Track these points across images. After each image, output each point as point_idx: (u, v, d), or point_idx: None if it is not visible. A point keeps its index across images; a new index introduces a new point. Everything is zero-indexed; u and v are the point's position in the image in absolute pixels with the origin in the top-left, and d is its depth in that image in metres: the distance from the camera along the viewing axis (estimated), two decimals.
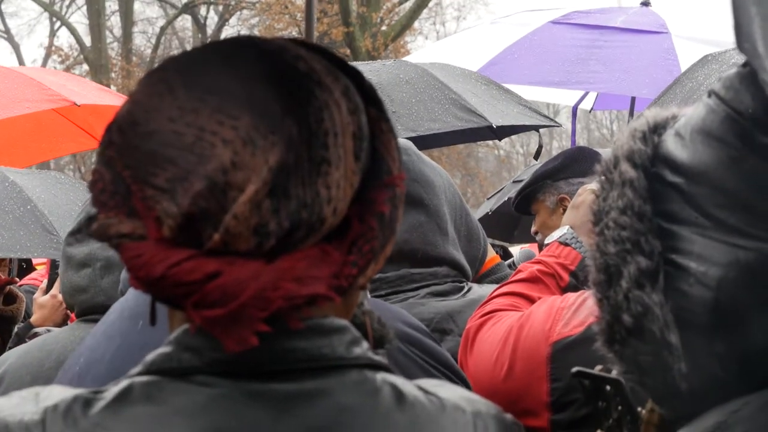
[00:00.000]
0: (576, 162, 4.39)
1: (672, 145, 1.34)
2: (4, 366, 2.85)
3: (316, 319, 1.26)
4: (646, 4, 6.62)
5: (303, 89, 1.22)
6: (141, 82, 1.26)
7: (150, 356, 1.27)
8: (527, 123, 5.58)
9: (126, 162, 1.22)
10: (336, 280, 1.22)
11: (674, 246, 1.31)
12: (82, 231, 2.82)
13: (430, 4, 29.24)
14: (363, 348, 1.30)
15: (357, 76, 1.29)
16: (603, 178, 1.38)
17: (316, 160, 1.20)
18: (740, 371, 1.29)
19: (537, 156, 6.09)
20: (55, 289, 4.46)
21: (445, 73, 5.46)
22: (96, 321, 2.64)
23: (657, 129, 1.38)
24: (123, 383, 1.25)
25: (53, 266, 4.58)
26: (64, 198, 4.67)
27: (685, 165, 1.31)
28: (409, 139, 3.70)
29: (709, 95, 1.32)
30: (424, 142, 5.07)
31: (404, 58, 6.61)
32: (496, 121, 5.20)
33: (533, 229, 4.64)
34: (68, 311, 4.43)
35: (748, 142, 1.26)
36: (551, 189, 4.47)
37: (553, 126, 6.15)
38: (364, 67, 5.29)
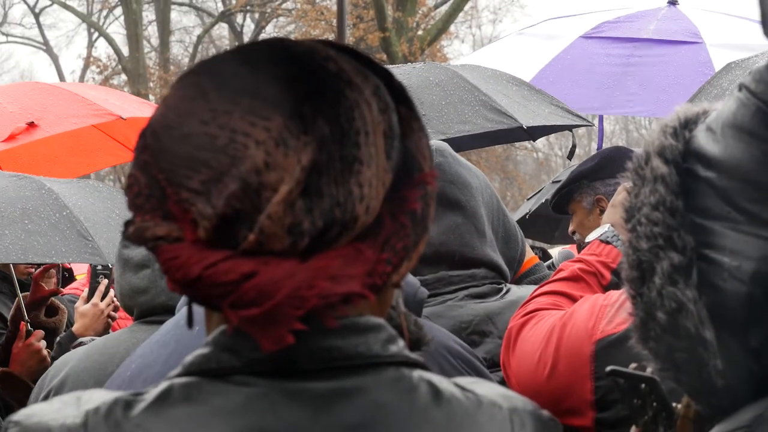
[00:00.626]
0: (613, 162, 4.37)
1: (703, 140, 1.34)
2: (65, 370, 2.86)
3: (351, 317, 1.27)
4: (673, 3, 6.51)
5: (333, 89, 1.23)
6: (174, 87, 1.27)
7: (189, 357, 1.28)
8: (559, 123, 5.55)
9: (161, 165, 1.23)
10: (370, 278, 1.23)
11: (707, 241, 1.31)
12: None
13: (466, 8, 29.20)
14: (399, 346, 1.30)
15: (387, 76, 1.30)
16: (635, 174, 1.38)
17: (348, 159, 1.21)
18: None
19: (571, 156, 6.06)
20: (96, 298, 4.50)
21: (475, 74, 5.44)
22: (156, 322, 2.65)
23: (688, 124, 1.38)
24: (163, 385, 1.27)
25: (94, 275, 4.62)
26: (101, 205, 4.71)
27: (717, 159, 1.31)
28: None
29: (740, 89, 1.32)
30: (459, 144, 5.06)
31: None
32: (527, 122, 5.17)
33: (570, 228, 4.64)
34: (110, 320, 4.47)
35: None
36: (588, 189, 4.47)
37: (586, 125, 6.12)
38: (394, 71, 5.28)
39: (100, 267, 4.61)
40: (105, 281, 4.56)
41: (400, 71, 5.27)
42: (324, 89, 1.23)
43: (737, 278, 1.28)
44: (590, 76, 6.16)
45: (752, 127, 1.28)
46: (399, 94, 1.30)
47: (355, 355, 1.26)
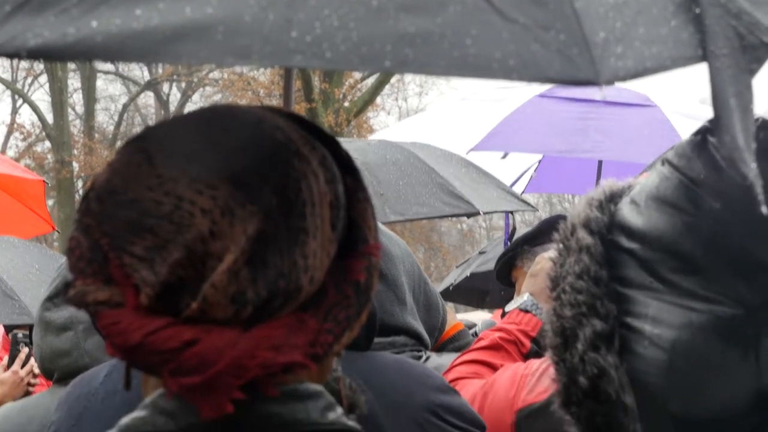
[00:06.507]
0: (553, 228, 4.42)
1: (627, 212, 1.40)
2: None
3: (291, 384, 1.27)
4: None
5: (281, 159, 1.24)
6: (120, 151, 1.27)
7: (125, 420, 1.27)
8: (507, 208, 5.58)
9: (104, 230, 1.23)
10: (312, 348, 1.23)
11: (629, 309, 1.36)
12: (60, 296, 2.81)
13: (392, 80, 29.34)
14: (337, 413, 1.30)
15: (334, 145, 1.32)
16: (560, 245, 1.43)
17: (293, 230, 1.22)
18: None
19: (511, 239, 6.11)
20: (16, 365, 4.45)
21: (427, 153, 5.43)
22: None
23: (613, 198, 1.44)
24: None
25: (15, 342, 4.57)
26: (19, 261, 4.64)
27: (641, 231, 1.36)
28: (397, 222, 3.66)
29: (663, 163, 1.37)
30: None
31: (370, 137, 6.54)
32: (482, 207, 5.19)
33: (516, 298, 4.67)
34: (30, 388, 4.43)
35: (701, 207, 1.32)
36: (529, 255, 4.50)
37: (531, 210, 6.16)
38: (349, 146, 5.29)
39: (21, 335, 4.57)
40: (26, 349, 4.53)
41: (355, 147, 5.27)
42: (272, 159, 1.24)
43: (658, 345, 1.33)
44: (553, 126, 6.19)
45: (674, 199, 1.34)
46: (346, 164, 1.31)
47: (293, 422, 1.26)
